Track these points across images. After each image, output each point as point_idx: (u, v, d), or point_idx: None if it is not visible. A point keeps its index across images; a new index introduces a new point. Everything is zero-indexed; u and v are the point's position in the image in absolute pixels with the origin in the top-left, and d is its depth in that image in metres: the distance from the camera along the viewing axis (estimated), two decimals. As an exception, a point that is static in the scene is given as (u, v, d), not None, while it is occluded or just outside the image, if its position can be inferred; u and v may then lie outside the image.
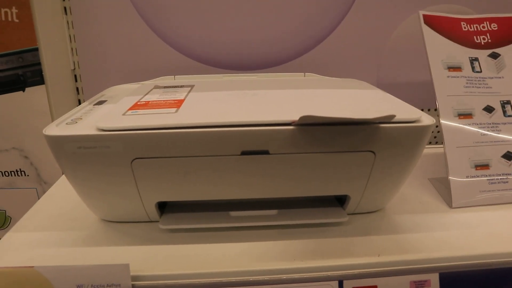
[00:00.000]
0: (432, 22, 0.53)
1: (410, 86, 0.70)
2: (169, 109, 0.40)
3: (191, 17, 0.64)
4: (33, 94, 0.57)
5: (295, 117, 0.35)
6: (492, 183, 0.49)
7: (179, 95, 0.46)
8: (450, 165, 0.48)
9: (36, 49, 0.55)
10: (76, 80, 0.66)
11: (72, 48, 0.64)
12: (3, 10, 0.53)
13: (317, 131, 0.35)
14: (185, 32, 0.65)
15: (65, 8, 0.62)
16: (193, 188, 0.39)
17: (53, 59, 0.59)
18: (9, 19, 0.53)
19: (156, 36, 0.64)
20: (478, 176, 0.49)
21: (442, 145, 0.49)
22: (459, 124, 0.50)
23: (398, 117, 0.36)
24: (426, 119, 0.37)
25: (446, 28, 0.54)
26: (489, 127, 0.50)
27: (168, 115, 0.38)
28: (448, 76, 0.51)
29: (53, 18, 0.59)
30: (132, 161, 0.37)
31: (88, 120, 0.40)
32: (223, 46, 0.66)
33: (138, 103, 0.43)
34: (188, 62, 0.66)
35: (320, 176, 0.39)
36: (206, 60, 0.66)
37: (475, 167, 0.49)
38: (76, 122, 0.40)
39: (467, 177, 0.48)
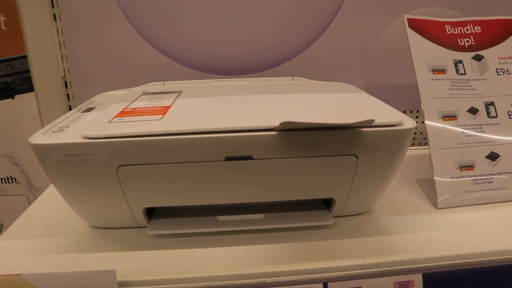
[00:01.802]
0: (416, 25, 0.54)
1: (397, 88, 0.71)
2: (155, 116, 0.40)
3: (180, 23, 0.64)
4: (23, 101, 0.58)
5: (278, 122, 0.36)
6: (476, 183, 0.50)
7: (166, 101, 0.47)
8: (435, 166, 0.49)
9: (25, 57, 0.56)
10: (66, 87, 0.66)
11: (62, 55, 0.64)
12: (-9, 19, 0.53)
13: (300, 136, 0.36)
14: (174, 38, 0.65)
15: (54, 15, 0.63)
16: (179, 193, 0.40)
17: (42, 66, 0.60)
18: (-3, 27, 0.54)
19: (145, 42, 0.65)
20: (463, 177, 0.49)
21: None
22: (444, 125, 0.50)
23: (380, 120, 0.37)
24: (408, 123, 0.38)
25: (430, 31, 0.54)
26: (473, 129, 0.51)
27: (153, 122, 0.38)
28: (433, 79, 0.52)
29: (42, 25, 0.60)
30: (118, 168, 0.37)
31: (74, 128, 0.40)
32: (212, 51, 0.66)
33: (125, 110, 0.44)
34: (177, 67, 0.67)
35: (304, 180, 0.39)
36: (195, 65, 0.67)
37: (460, 168, 0.50)
38: (63, 130, 0.40)
39: (452, 178, 0.49)
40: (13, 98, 0.58)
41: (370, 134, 0.36)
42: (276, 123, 0.36)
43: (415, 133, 0.76)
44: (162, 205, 0.42)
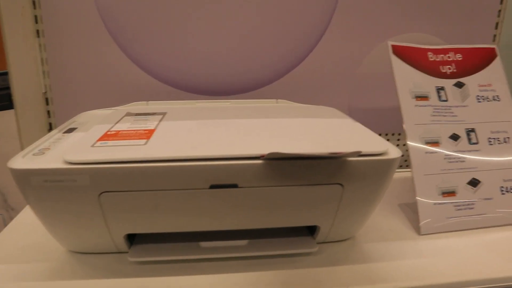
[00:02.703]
0: (400, 52, 0.55)
1: (379, 111, 0.72)
2: (139, 141, 0.40)
3: (164, 42, 0.64)
4: (2, 118, 0.56)
5: (264, 150, 0.35)
6: (458, 209, 0.50)
7: (150, 124, 0.46)
8: (418, 192, 0.50)
9: (6, 73, 0.54)
10: (47, 104, 0.65)
11: (44, 71, 0.63)
12: (-29, 35, 0.52)
13: (285, 165, 0.36)
14: (158, 57, 0.65)
15: (37, 31, 0.61)
16: (162, 220, 0.39)
17: (23, 83, 0.59)
18: (-22, 43, 0.52)
19: (129, 60, 0.64)
20: (445, 203, 0.50)
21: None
22: (427, 152, 0.51)
23: (365, 150, 0.37)
24: (393, 152, 0.38)
25: (413, 58, 0.55)
26: (455, 155, 0.52)
27: (137, 147, 0.38)
28: (416, 105, 0.53)
29: (25, 41, 0.58)
30: (100, 194, 0.36)
31: (56, 151, 0.39)
32: (197, 72, 0.66)
33: (108, 132, 0.43)
34: (161, 87, 0.66)
35: (289, 208, 0.39)
36: (180, 85, 0.66)
37: (442, 194, 0.50)
38: (44, 153, 0.39)
39: (434, 204, 0.50)
40: (-9, 115, 0.56)
41: (356, 164, 0.37)
42: (261, 150, 0.36)
43: (397, 155, 0.77)
44: (144, 231, 0.41)
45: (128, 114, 0.52)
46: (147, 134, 0.42)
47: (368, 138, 0.42)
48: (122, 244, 0.42)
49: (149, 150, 0.37)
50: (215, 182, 0.36)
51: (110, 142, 0.40)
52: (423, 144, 0.51)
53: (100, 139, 0.41)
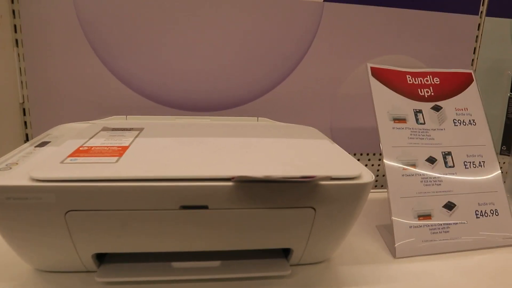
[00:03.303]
0: (379, 74, 0.56)
1: (361, 131, 0.73)
2: (110, 158, 0.39)
3: (146, 57, 0.64)
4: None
5: (237, 172, 0.35)
6: (434, 232, 0.50)
7: (125, 140, 0.45)
8: (394, 215, 0.50)
9: (-21, 84, 0.53)
10: (24, 114, 0.64)
11: (22, 81, 0.62)
12: None
13: (257, 188, 0.35)
14: (140, 71, 0.64)
15: (16, 40, 0.61)
16: (131, 240, 0.38)
17: (-2, 94, 0.57)
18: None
19: (110, 73, 0.63)
20: (420, 226, 0.50)
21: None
22: (403, 174, 0.51)
23: (338, 173, 0.37)
24: (366, 176, 0.38)
25: (392, 80, 0.56)
26: (431, 178, 0.52)
27: (107, 165, 0.37)
28: (394, 128, 0.53)
29: (2, 50, 0.58)
30: (66, 213, 0.35)
31: (23, 166, 0.38)
32: (179, 87, 0.66)
33: (81, 148, 0.42)
34: (142, 101, 0.65)
35: (261, 231, 0.38)
36: (161, 100, 0.66)
37: (418, 217, 0.50)
38: (11, 168, 0.38)
39: (410, 227, 0.50)
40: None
41: (328, 188, 0.36)
42: (234, 172, 0.35)
43: (377, 175, 0.78)
44: (112, 251, 0.40)
45: (105, 129, 0.51)
46: (120, 151, 0.41)
47: (343, 161, 0.42)
48: (91, 264, 0.41)
49: (119, 169, 0.36)
50: (185, 203, 0.35)
51: (80, 159, 0.39)
52: (400, 167, 0.51)
53: (71, 155, 0.40)
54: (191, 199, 0.35)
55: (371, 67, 0.56)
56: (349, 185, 0.37)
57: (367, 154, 0.75)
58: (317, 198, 0.37)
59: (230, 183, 0.35)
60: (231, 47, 0.65)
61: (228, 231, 0.38)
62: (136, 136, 0.47)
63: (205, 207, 0.36)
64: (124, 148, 0.42)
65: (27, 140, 0.65)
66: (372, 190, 0.69)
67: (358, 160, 0.75)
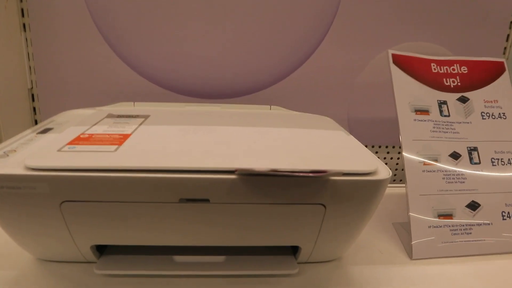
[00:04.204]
0: (401, 62, 0.52)
1: (382, 123, 0.69)
2: (110, 147, 0.37)
3: (156, 42, 0.62)
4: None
5: (242, 163, 0.33)
6: (454, 233, 0.47)
7: (128, 128, 0.43)
8: (412, 213, 0.46)
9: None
10: (33, 100, 0.63)
11: (30, 67, 0.61)
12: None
13: (261, 182, 0.33)
14: (149, 57, 0.62)
15: (24, 24, 0.59)
16: (129, 233, 0.36)
17: (4, 79, 0.56)
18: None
19: (119, 59, 0.62)
20: (441, 226, 0.47)
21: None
22: (424, 170, 0.48)
23: (351, 168, 0.34)
24: (382, 172, 0.35)
25: (415, 68, 0.52)
26: (454, 175, 0.48)
27: (105, 154, 0.35)
28: (415, 120, 0.50)
29: (7, 35, 0.56)
30: (61, 203, 0.34)
31: (21, 154, 0.37)
32: (189, 72, 0.63)
33: (81, 136, 0.40)
34: (152, 87, 0.63)
35: (266, 227, 0.36)
36: (171, 86, 0.64)
37: (438, 216, 0.47)
38: (8, 155, 0.37)
39: (429, 227, 0.46)
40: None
41: (340, 184, 0.33)
42: (238, 164, 0.33)
43: (396, 169, 0.74)
44: (111, 243, 0.38)
45: (109, 115, 0.49)
46: (121, 140, 0.39)
47: (357, 154, 0.38)
48: (90, 255, 0.39)
49: (116, 158, 0.34)
50: (184, 196, 0.33)
51: (79, 147, 0.37)
52: (421, 162, 0.48)
53: (70, 143, 0.38)
54: (191, 192, 0.33)
55: (392, 54, 0.52)
56: (363, 182, 0.34)
57: (386, 147, 0.71)
58: (327, 195, 0.34)
59: (232, 176, 0.32)
60: (244, 31, 0.62)
61: (231, 226, 0.36)
62: (140, 124, 0.45)
63: (206, 201, 0.33)
64: (126, 136, 0.40)
65: (36, 126, 0.64)
66: (389, 185, 0.65)
67: (376, 153, 0.71)
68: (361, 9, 0.63)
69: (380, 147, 0.71)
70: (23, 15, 0.59)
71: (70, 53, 0.61)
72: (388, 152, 0.72)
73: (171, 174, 0.32)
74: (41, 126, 0.47)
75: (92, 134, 0.41)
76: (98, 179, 0.32)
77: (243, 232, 0.36)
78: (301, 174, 0.31)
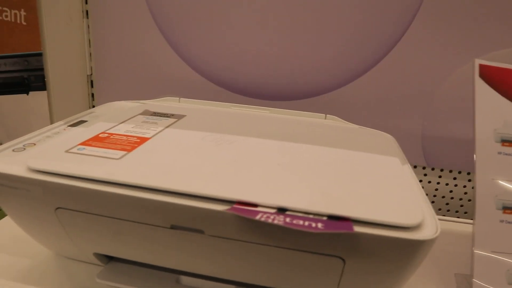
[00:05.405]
0: (490, 74, 0.41)
1: (458, 142, 0.57)
2: (117, 152, 0.34)
3: (214, 38, 0.58)
4: (36, 99, 0.56)
5: (242, 194, 0.27)
6: (538, 308, 0.35)
7: (153, 130, 0.40)
8: (476, 280, 0.36)
9: (41, 54, 0.54)
10: (92, 86, 0.64)
11: (90, 53, 0.62)
12: (12, 12, 0.51)
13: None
14: (206, 53, 0.59)
15: (87, 11, 0.60)
16: (125, 249, 0.33)
17: (59, 65, 0.57)
18: (18, 21, 0.52)
19: (174, 52, 0.59)
20: (517, 295, 0.36)
21: (473, 243, 0.37)
22: (502, 220, 0.37)
23: (385, 218, 0.26)
24: (427, 228, 0.27)
25: (508, 84, 0.41)
26: (547, 231, 0.37)
27: (106, 162, 0.32)
28: (500, 153, 0.39)
29: (65, 21, 0.57)
30: (56, 209, 0.32)
31: (37, 149, 0.36)
32: (243, 70, 0.59)
33: (100, 135, 0.38)
34: (205, 83, 0.60)
35: (269, 271, 0.30)
36: (225, 84, 0.60)
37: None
38: (25, 149, 0.36)
39: (500, 293, 0.36)
40: (27, 94, 0.56)
41: (363, 237, 0.26)
42: (241, 193, 0.27)
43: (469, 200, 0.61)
44: (110, 254, 0.36)
45: (145, 112, 0.47)
46: (134, 145, 0.36)
47: (403, 196, 0.30)
48: (95, 260, 0.37)
49: (111, 168, 0.31)
50: (175, 223, 0.29)
51: (88, 149, 0.35)
52: (499, 209, 0.37)
53: (83, 142, 0.36)
54: (182, 220, 0.28)
55: (479, 65, 0.41)
56: (395, 240, 0.26)
57: (468, 174, 0.59)
58: (347, 247, 0.27)
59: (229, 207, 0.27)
60: (306, 29, 0.55)
61: (230, 262, 0.30)
62: (168, 126, 0.42)
63: (200, 232, 0.29)
64: (143, 140, 0.37)
65: (94, 111, 0.65)
66: (455, 220, 0.53)
67: (455, 179, 0.59)
68: (449, 6, 0.51)
69: (460, 172, 0.59)
70: (86, 2, 0.59)
71: (125, 43, 0.60)
72: (469, 180, 0.59)
73: (161, 196, 0.28)
74: (77, 117, 0.46)
75: (112, 134, 0.39)
76: (86, 190, 0.29)
77: (244, 271, 0.31)
78: (302, 228, 0.24)
